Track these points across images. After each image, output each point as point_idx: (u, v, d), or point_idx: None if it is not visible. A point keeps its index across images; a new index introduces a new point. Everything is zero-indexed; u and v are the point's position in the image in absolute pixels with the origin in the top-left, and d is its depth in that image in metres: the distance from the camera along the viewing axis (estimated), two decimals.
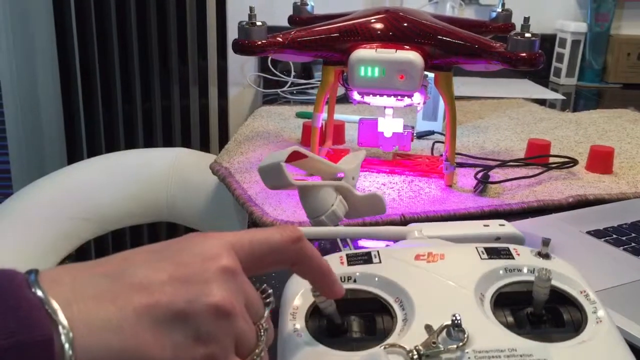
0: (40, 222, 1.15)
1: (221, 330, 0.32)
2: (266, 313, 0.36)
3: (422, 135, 1.11)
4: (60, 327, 0.28)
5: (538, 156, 0.96)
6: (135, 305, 0.30)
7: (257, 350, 0.34)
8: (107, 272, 0.31)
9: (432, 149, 1.02)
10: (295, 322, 0.39)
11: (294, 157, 0.59)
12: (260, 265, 0.36)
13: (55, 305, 0.28)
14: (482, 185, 0.84)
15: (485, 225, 0.61)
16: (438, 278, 0.43)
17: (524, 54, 0.74)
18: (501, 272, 0.44)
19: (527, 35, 0.75)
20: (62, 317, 0.28)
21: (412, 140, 0.90)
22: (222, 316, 0.32)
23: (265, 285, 0.37)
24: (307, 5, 1.09)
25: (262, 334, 0.35)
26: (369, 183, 0.86)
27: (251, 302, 0.35)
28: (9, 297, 0.28)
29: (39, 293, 0.29)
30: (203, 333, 0.31)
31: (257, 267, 0.36)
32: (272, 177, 0.58)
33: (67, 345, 0.28)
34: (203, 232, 0.35)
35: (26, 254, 1.12)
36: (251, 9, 0.81)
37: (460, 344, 0.36)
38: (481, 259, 0.45)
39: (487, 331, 0.38)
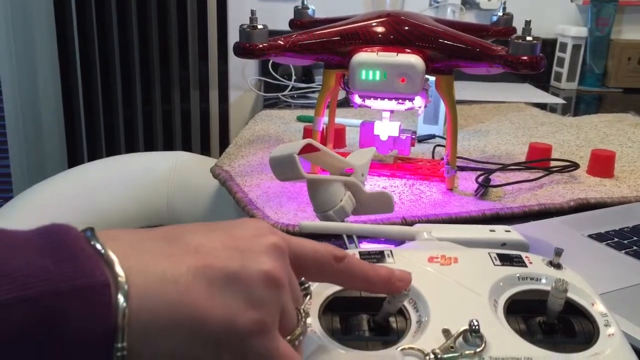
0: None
1: (271, 297, 0.32)
2: (305, 302, 0.37)
3: (423, 139, 1.11)
4: (117, 276, 0.28)
5: (539, 160, 0.96)
6: (191, 264, 0.31)
7: (297, 331, 0.35)
8: (162, 236, 0.32)
9: (433, 152, 1.02)
10: (308, 317, 0.39)
11: (307, 149, 0.59)
12: (303, 271, 0.36)
13: (112, 255, 0.29)
14: (483, 188, 0.83)
15: (491, 231, 0.61)
16: (452, 282, 0.42)
17: (525, 58, 0.74)
18: (514, 279, 0.44)
19: (528, 38, 0.75)
20: (118, 267, 0.29)
21: (413, 145, 0.90)
22: (272, 284, 0.32)
23: (303, 278, 0.38)
24: (308, 8, 1.09)
25: (303, 316, 0.36)
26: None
27: (293, 287, 0.35)
28: (65, 247, 0.28)
29: (97, 245, 0.29)
30: (255, 298, 0.31)
31: (299, 271, 0.36)
32: (284, 168, 0.58)
33: (121, 294, 0.28)
34: (254, 219, 0.36)
35: None
36: (252, 12, 0.82)
37: (478, 349, 0.36)
38: (494, 265, 0.45)
39: (502, 338, 0.38)
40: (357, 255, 0.45)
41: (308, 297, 0.37)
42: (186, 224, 0.34)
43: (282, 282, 0.33)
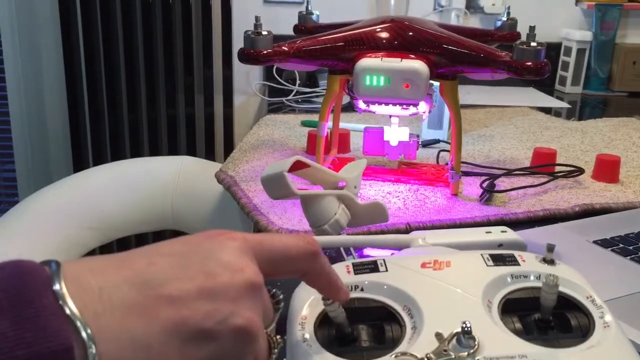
0: (45, 230, 1.15)
1: (244, 351, 0.32)
2: (275, 318, 0.37)
3: (427, 144, 1.11)
4: (84, 340, 0.27)
5: (544, 165, 0.96)
6: (164, 321, 0.29)
7: None
8: (135, 280, 0.30)
9: (438, 157, 1.02)
10: (304, 331, 0.39)
11: (297, 166, 0.59)
12: (274, 272, 0.36)
13: (78, 314, 0.27)
14: (488, 194, 0.83)
15: (487, 232, 0.61)
16: (445, 286, 0.42)
17: (529, 63, 0.74)
18: (507, 278, 0.43)
19: (532, 44, 0.75)
20: (87, 330, 0.27)
21: (417, 149, 0.90)
22: (247, 338, 0.32)
23: (275, 289, 0.38)
24: (313, 14, 1.10)
25: (276, 347, 0.35)
26: (374, 192, 0.86)
27: (265, 310, 0.35)
28: (27, 302, 0.27)
29: (65, 309, 0.27)
30: (227, 354, 0.31)
31: (270, 273, 0.36)
32: (275, 187, 0.58)
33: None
34: (225, 231, 0.34)
35: None
36: (257, 18, 0.82)
37: (471, 351, 0.36)
38: (487, 265, 0.45)
39: (496, 338, 0.38)
40: (351, 267, 0.45)
41: (279, 310, 0.37)
42: (157, 250, 0.33)
43: (256, 334, 0.32)
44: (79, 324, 0.27)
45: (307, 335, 0.39)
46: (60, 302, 0.27)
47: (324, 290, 0.39)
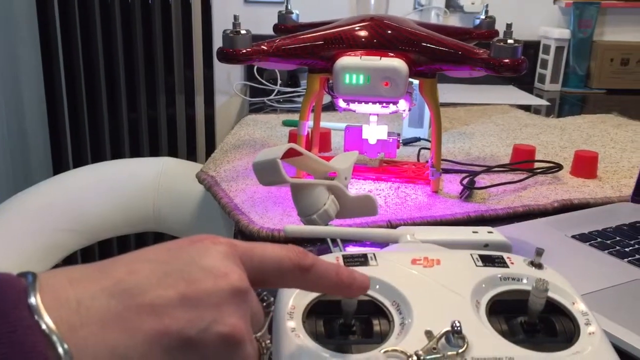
0: (26, 233, 1.14)
1: (230, 358, 0.31)
2: (266, 323, 0.36)
3: (408, 142, 1.12)
4: (61, 355, 0.26)
5: (523, 161, 0.97)
6: (145, 332, 0.29)
7: None
8: (114, 290, 0.29)
9: (418, 155, 1.03)
10: (292, 322, 0.39)
11: (290, 154, 0.59)
12: (261, 282, 0.35)
13: (54, 329, 0.27)
14: (468, 191, 0.84)
15: (474, 232, 0.62)
16: (435, 283, 0.43)
17: (507, 60, 0.75)
18: (496, 280, 0.44)
19: (509, 41, 0.75)
20: (63, 346, 0.26)
21: (398, 147, 0.90)
22: (232, 345, 0.31)
23: (265, 293, 0.37)
24: (292, 13, 1.10)
25: (265, 352, 0.35)
26: (355, 190, 0.86)
27: (255, 314, 0.34)
28: (2, 316, 0.26)
29: (41, 323, 0.26)
30: None
31: (257, 282, 0.35)
32: (267, 173, 0.58)
33: None
34: (210, 236, 0.33)
35: (12, 265, 1.11)
36: (235, 17, 0.81)
37: (460, 350, 0.36)
38: (476, 266, 0.45)
39: (484, 339, 0.38)
40: (341, 259, 0.45)
41: (270, 314, 0.37)
42: (138, 257, 0.32)
43: (242, 340, 0.31)
44: (55, 338, 0.26)
45: (295, 326, 0.39)
46: (36, 316, 0.27)
47: (329, 294, 0.38)
